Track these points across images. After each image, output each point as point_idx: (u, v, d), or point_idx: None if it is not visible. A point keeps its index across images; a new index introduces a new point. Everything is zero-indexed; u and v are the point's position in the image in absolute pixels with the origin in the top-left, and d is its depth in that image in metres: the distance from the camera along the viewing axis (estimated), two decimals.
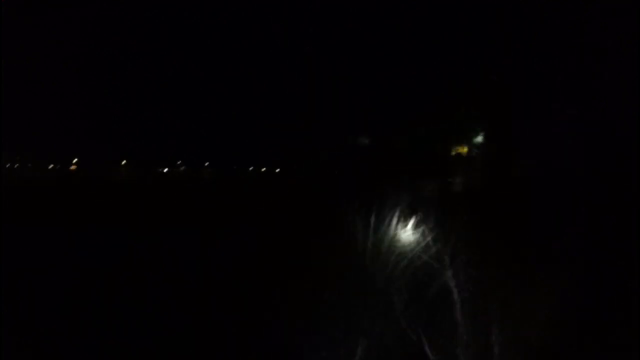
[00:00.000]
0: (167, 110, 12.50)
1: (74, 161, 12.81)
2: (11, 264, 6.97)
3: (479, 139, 10.11)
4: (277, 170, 12.93)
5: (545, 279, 4.96)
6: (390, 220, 7.82)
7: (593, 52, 7.94)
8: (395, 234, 7.22)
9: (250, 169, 13.26)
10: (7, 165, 12.49)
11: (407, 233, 7.26)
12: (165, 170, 13.71)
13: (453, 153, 10.26)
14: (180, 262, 7.49)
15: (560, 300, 4.51)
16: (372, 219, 7.94)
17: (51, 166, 12.91)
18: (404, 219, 7.82)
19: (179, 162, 13.63)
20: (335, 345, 3.79)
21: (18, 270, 6.90)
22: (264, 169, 13.17)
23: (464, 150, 10.23)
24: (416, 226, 7.30)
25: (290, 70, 11.87)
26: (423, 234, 6.89)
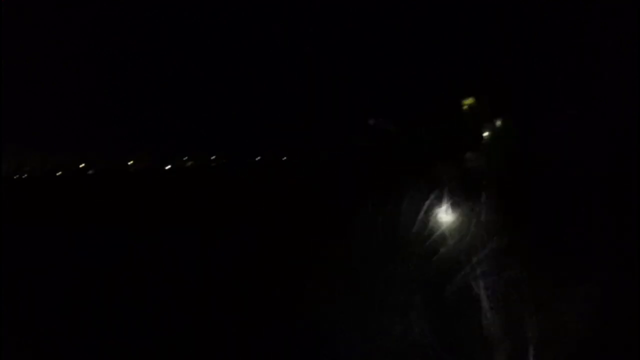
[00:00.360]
0: (167, 109, 12.48)
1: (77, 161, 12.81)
2: (11, 264, 6.97)
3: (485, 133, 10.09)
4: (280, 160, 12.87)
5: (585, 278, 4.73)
6: (403, 212, 7.74)
7: (593, 52, 7.94)
8: (409, 226, 7.13)
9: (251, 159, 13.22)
10: (8, 164, 12.49)
11: (420, 224, 7.15)
12: (168, 167, 13.71)
13: (465, 106, 10.17)
14: (180, 262, 7.49)
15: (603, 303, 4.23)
16: (382, 212, 7.87)
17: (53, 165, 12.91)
18: (417, 210, 7.71)
19: (183, 159, 13.64)
20: (341, 348, 3.77)
21: (18, 270, 6.90)
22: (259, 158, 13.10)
23: (471, 101, 10.13)
24: (430, 216, 7.20)
25: (291, 70, 11.87)
26: (439, 224, 6.79)
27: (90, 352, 4.37)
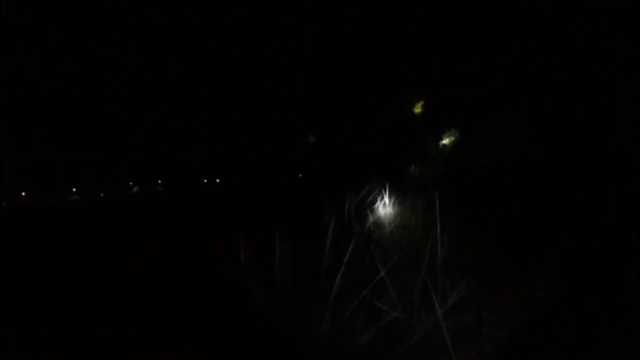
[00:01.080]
0: (167, 110, 12.52)
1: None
2: (11, 264, 7.00)
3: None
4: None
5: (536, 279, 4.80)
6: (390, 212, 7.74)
7: (593, 52, 7.93)
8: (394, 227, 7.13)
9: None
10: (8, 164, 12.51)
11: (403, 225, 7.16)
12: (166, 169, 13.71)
13: (416, 111, 10.30)
14: (180, 262, 7.52)
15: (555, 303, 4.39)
16: (372, 214, 7.90)
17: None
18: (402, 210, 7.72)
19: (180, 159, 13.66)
20: (333, 345, 3.79)
21: (18, 271, 6.92)
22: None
23: (419, 109, 10.31)
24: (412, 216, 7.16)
25: (291, 70, 11.88)
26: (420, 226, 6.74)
27: (90, 353, 4.39)
